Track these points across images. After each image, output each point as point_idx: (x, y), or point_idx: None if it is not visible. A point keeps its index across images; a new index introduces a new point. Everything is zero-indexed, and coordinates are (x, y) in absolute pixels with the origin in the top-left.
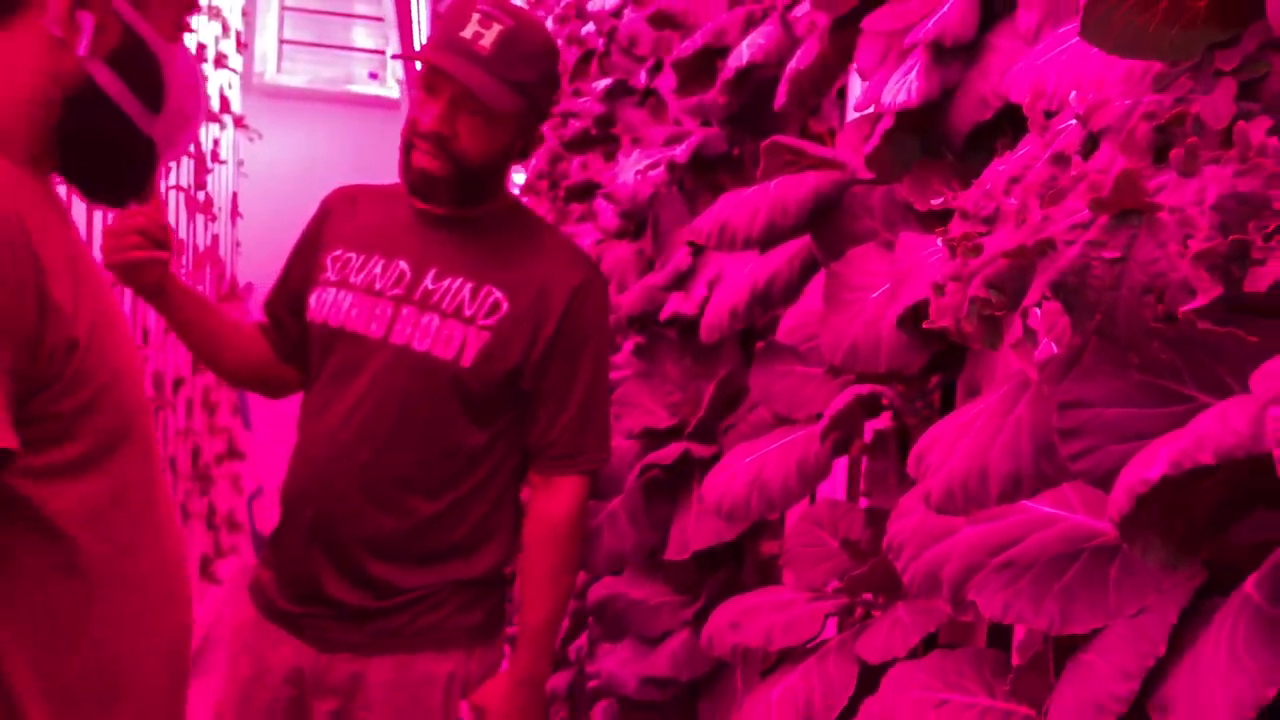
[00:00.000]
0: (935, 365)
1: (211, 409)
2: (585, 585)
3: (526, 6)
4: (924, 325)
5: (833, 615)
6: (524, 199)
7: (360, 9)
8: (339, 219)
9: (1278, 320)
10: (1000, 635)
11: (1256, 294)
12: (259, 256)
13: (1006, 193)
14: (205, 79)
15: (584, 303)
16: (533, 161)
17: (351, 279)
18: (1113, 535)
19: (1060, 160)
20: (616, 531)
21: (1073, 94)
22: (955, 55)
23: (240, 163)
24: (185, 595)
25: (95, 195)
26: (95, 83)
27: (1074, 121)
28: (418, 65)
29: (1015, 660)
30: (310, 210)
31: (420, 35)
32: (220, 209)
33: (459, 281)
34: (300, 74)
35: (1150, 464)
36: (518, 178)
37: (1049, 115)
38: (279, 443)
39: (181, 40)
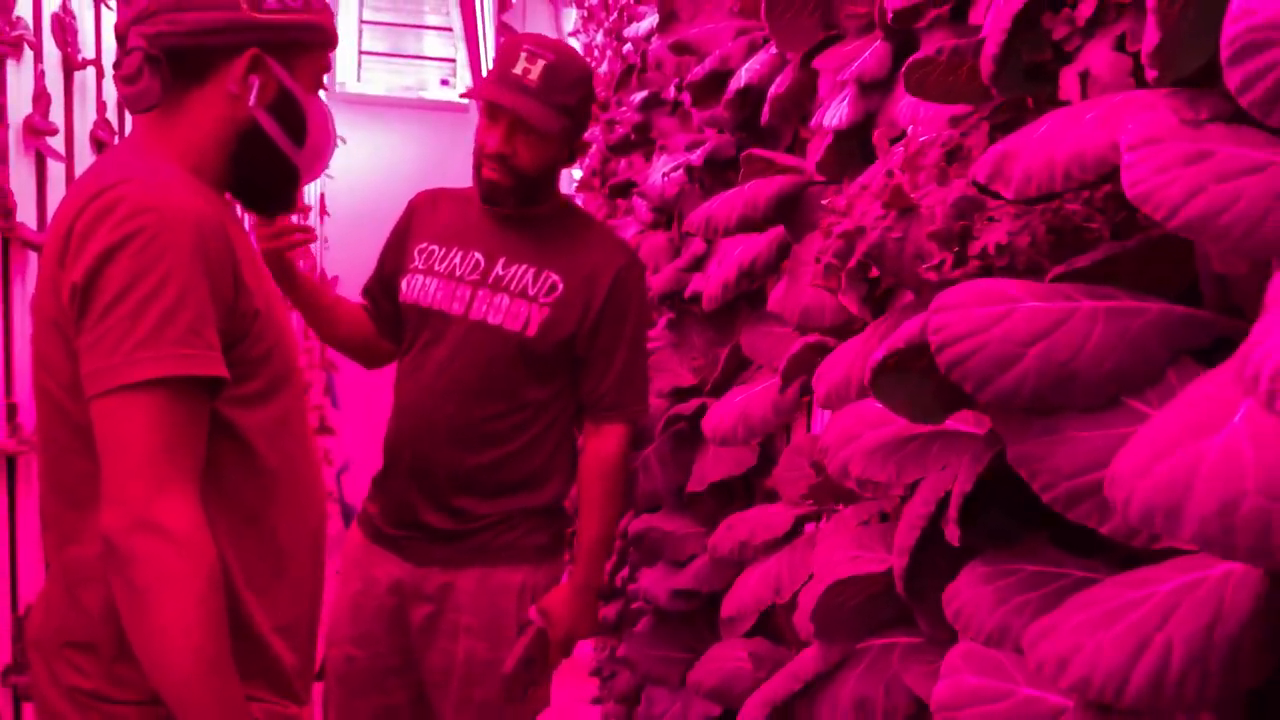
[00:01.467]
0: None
1: (304, 389)
2: (626, 522)
3: (579, 23)
4: (812, 285)
5: (808, 521)
6: (579, 195)
7: (431, 20)
8: (423, 217)
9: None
10: None
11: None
12: (344, 251)
13: (856, 196)
14: (332, 120)
15: (625, 282)
16: (586, 162)
17: (436, 267)
18: (928, 430)
19: (889, 174)
20: (649, 475)
21: (909, 128)
22: (873, 89)
23: None
24: (322, 498)
25: (257, 208)
26: (260, 125)
27: (901, 146)
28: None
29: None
30: (388, 208)
31: (485, 43)
32: (310, 208)
33: (524, 268)
34: (378, 83)
35: (882, 349)
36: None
37: (893, 142)
38: (364, 422)
39: (317, 92)
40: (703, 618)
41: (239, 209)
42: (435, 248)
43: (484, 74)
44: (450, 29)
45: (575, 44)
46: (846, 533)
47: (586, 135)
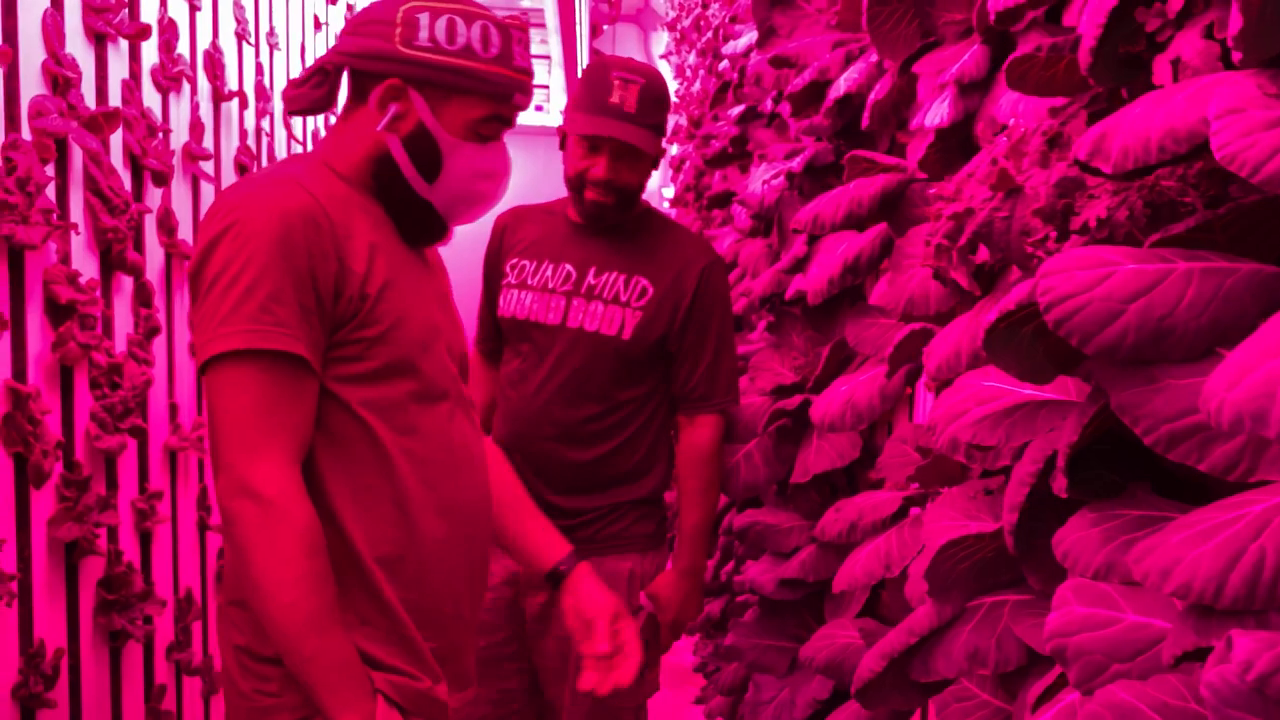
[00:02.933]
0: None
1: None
2: (728, 515)
3: (671, 46)
4: (922, 265)
5: (914, 504)
6: (674, 210)
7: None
8: (511, 235)
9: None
10: None
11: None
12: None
13: (964, 183)
14: (501, 173)
15: (709, 279)
16: (680, 178)
17: (529, 281)
18: (1036, 399)
19: (994, 162)
20: (752, 467)
21: (1011, 120)
22: (973, 89)
23: None
24: (477, 483)
25: (400, 231)
26: (389, 153)
27: (1004, 137)
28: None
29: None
30: (486, 231)
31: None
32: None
33: (614, 275)
34: None
35: (994, 312)
36: (667, 192)
37: (996, 134)
38: None
39: (480, 142)
40: (808, 607)
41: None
42: (526, 263)
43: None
44: (548, 56)
45: (666, 66)
46: (955, 506)
47: (680, 153)
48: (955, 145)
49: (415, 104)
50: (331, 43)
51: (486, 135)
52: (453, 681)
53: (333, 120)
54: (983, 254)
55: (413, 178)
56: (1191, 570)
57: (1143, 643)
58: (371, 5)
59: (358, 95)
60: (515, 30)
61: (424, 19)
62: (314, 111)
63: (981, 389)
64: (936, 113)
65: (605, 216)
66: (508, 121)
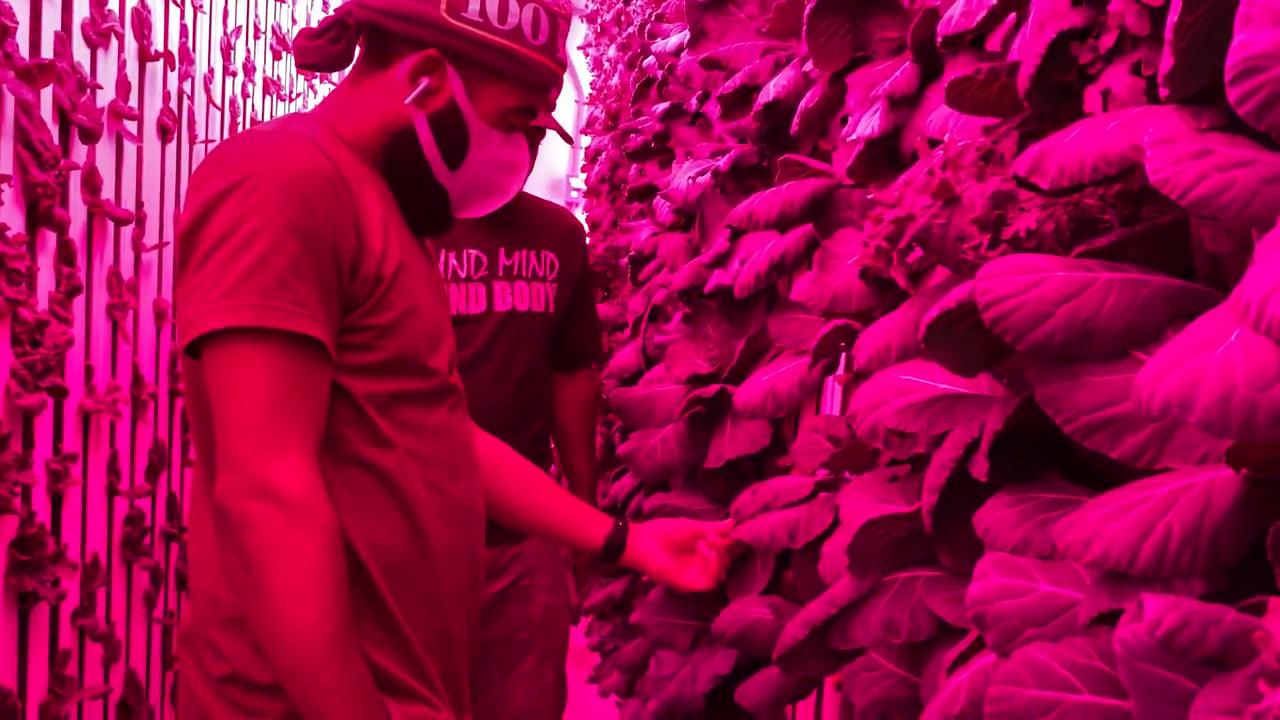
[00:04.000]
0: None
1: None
2: (637, 497)
3: (590, 38)
4: (860, 264)
5: (824, 489)
6: (586, 200)
7: None
8: None
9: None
10: None
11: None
12: None
13: (904, 190)
14: (522, 166)
15: (584, 241)
16: (595, 169)
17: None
18: (953, 392)
19: (931, 172)
20: (668, 450)
21: (946, 135)
22: (903, 103)
23: None
24: (473, 496)
25: (407, 213)
26: (414, 129)
27: (941, 150)
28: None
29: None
30: None
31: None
32: None
33: (525, 253)
34: None
35: (935, 309)
36: (577, 182)
37: (933, 145)
38: None
39: (506, 131)
40: (712, 593)
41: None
42: None
43: None
44: None
45: (583, 58)
46: (869, 490)
47: (595, 145)
48: (883, 155)
49: (450, 80)
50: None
51: (514, 125)
52: (457, 696)
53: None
54: (916, 255)
55: (434, 160)
56: (1109, 542)
57: (1055, 609)
58: None
59: (378, 58)
60: (562, 20)
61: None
62: (328, 69)
63: (900, 382)
64: (868, 123)
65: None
66: (535, 115)
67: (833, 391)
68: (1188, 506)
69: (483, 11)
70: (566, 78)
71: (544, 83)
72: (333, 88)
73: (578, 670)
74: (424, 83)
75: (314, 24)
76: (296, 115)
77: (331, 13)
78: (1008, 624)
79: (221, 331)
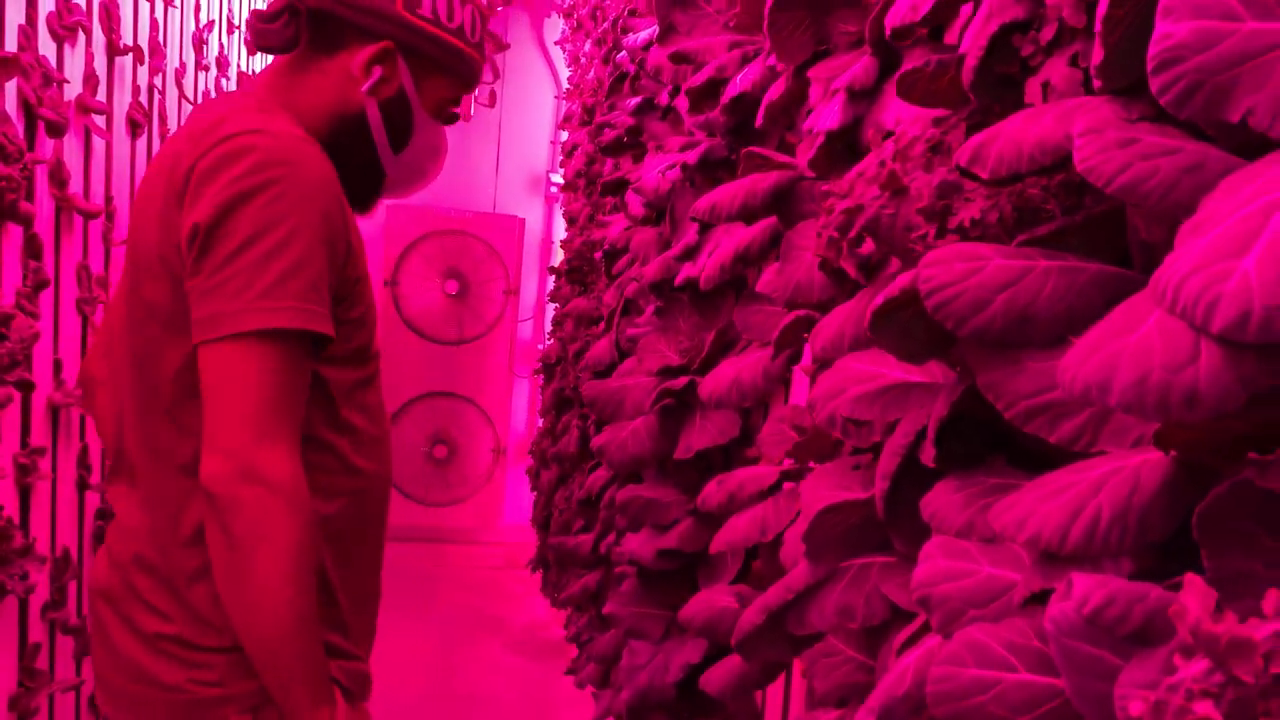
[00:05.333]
0: (845, 295)
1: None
2: (609, 489)
3: (566, 33)
4: (814, 255)
5: (789, 479)
6: (564, 195)
7: None
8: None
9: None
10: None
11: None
12: None
13: (855, 181)
14: (444, 154)
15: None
16: (571, 163)
17: None
18: (906, 380)
19: (882, 164)
20: (638, 442)
21: (896, 127)
22: (861, 96)
23: None
24: (388, 470)
25: (350, 193)
26: (365, 117)
27: (892, 142)
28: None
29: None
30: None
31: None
32: None
33: None
34: None
35: (880, 297)
36: (556, 177)
37: (885, 137)
38: None
39: (441, 122)
40: (684, 578)
41: None
42: None
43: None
44: None
45: (560, 52)
46: (829, 477)
47: (571, 139)
48: (842, 147)
49: (401, 72)
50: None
51: (447, 117)
52: (367, 654)
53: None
54: (868, 246)
55: (382, 145)
56: (1041, 523)
57: (996, 591)
58: None
59: (324, 44)
60: (489, 17)
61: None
62: (282, 51)
63: (857, 370)
64: (828, 116)
65: None
66: (459, 105)
67: (800, 381)
68: (1117, 488)
69: (434, 9)
70: (545, 71)
71: (475, 77)
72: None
73: (556, 662)
74: (378, 73)
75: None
76: (249, 100)
77: None
78: (951, 606)
79: (260, 330)
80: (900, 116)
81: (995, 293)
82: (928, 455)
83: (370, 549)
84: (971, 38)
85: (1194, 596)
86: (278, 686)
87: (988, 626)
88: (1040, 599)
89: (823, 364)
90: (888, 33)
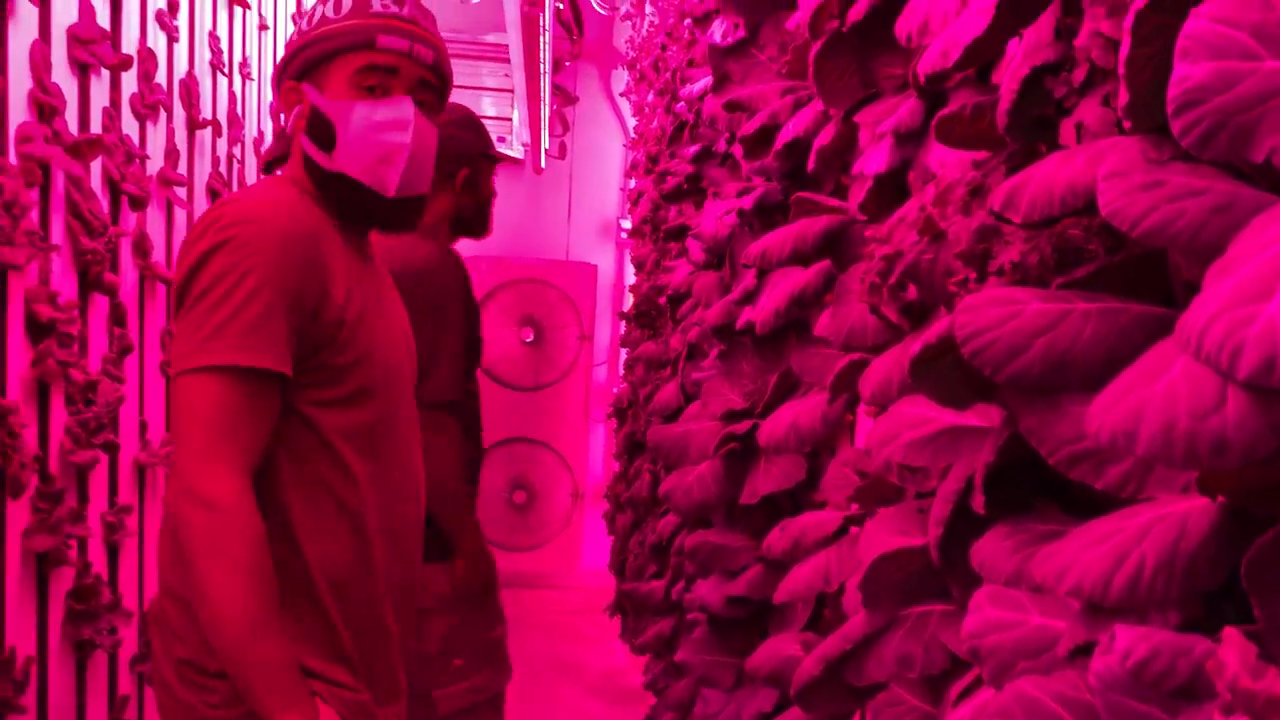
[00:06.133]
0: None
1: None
2: (679, 535)
3: (630, 85)
4: (859, 301)
5: (853, 523)
6: (632, 241)
7: (488, 83)
8: None
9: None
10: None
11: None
12: None
13: (895, 227)
14: (402, 122)
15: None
16: (637, 210)
17: None
18: (958, 424)
19: (922, 208)
20: (704, 487)
21: (938, 171)
22: (908, 139)
23: None
24: (412, 515)
25: (343, 217)
26: (305, 149)
27: (932, 185)
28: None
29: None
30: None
31: (545, 105)
32: None
33: None
34: None
35: (918, 344)
36: (625, 224)
37: (925, 183)
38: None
39: (368, 94)
40: (754, 624)
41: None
42: None
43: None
44: (509, 90)
45: (626, 104)
46: (889, 524)
47: (637, 187)
48: (892, 190)
49: (307, 93)
50: None
51: (372, 86)
52: (384, 695)
53: None
54: (912, 292)
55: (314, 154)
56: (1083, 573)
57: (1046, 642)
58: None
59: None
60: None
61: (300, 24)
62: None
63: (911, 415)
64: (875, 160)
65: None
66: (392, 70)
67: (866, 423)
68: (1162, 535)
69: (299, 29)
70: (614, 121)
71: (363, 39)
72: None
73: (635, 709)
74: (295, 109)
75: None
76: (272, 179)
77: None
78: (1001, 657)
79: (204, 366)
80: (945, 159)
81: (1033, 337)
82: (977, 502)
83: (377, 589)
84: (1006, 80)
85: (1232, 651)
86: (247, 692)
87: (1038, 679)
88: (1089, 650)
89: (882, 406)
90: (921, 79)
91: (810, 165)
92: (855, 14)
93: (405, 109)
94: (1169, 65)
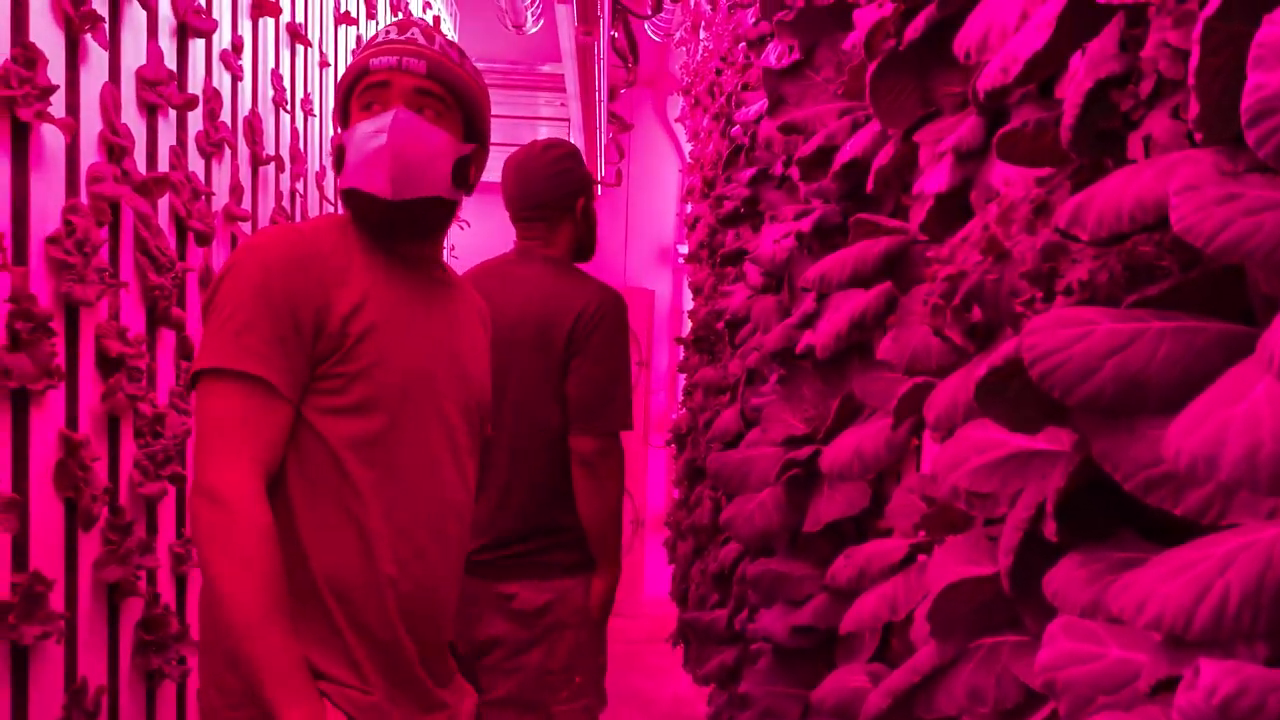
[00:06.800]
0: (964, 361)
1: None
2: (741, 564)
3: (685, 110)
4: (921, 324)
5: (920, 551)
6: (689, 266)
7: (545, 112)
8: None
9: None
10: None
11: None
12: None
13: (958, 247)
14: (380, 130)
15: None
16: (694, 235)
17: None
18: (1027, 449)
19: (985, 227)
20: (765, 515)
21: (1002, 188)
22: (969, 157)
23: (452, 246)
24: (439, 528)
25: (374, 234)
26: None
27: (995, 204)
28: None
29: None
30: None
31: (600, 133)
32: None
33: None
34: (496, 170)
35: (984, 367)
36: (682, 249)
37: (988, 201)
38: None
39: (361, 117)
40: (820, 655)
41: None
42: None
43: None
44: (564, 119)
45: (682, 129)
46: (958, 552)
47: (694, 211)
48: (953, 209)
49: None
50: None
51: (369, 103)
52: (419, 700)
53: None
54: (976, 313)
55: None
56: (1163, 604)
57: (1126, 676)
58: None
59: None
60: (398, 24)
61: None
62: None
63: (978, 439)
64: (936, 179)
65: None
66: (383, 85)
67: (932, 448)
68: (1248, 565)
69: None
70: (669, 147)
71: (360, 68)
72: None
73: None
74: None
75: None
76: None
77: None
78: (1078, 691)
79: (201, 371)
80: (1008, 177)
81: (1104, 358)
82: (1049, 529)
83: (386, 601)
84: (1069, 94)
85: None
86: (254, 684)
87: (1119, 715)
88: (1172, 685)
89: (948, 431)
90: (981, 96)
91: (869, 186)
92: (912, 32)
93: (387, 116)
94: (1241, 74)
